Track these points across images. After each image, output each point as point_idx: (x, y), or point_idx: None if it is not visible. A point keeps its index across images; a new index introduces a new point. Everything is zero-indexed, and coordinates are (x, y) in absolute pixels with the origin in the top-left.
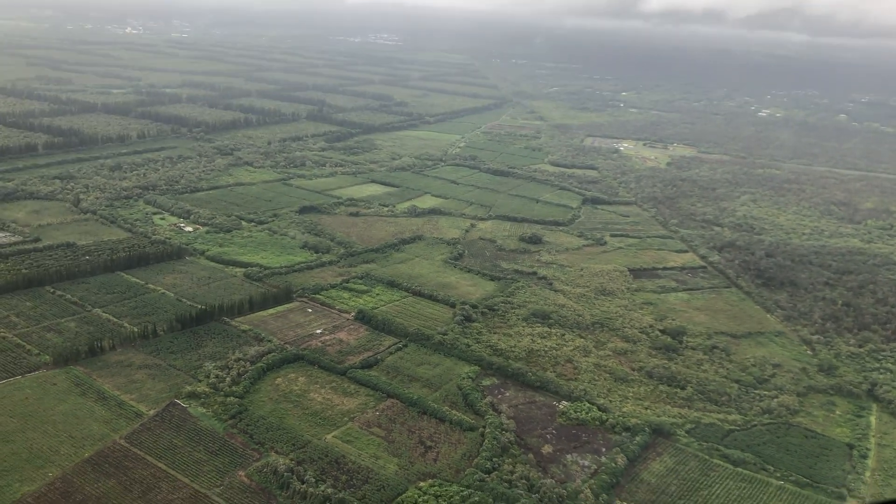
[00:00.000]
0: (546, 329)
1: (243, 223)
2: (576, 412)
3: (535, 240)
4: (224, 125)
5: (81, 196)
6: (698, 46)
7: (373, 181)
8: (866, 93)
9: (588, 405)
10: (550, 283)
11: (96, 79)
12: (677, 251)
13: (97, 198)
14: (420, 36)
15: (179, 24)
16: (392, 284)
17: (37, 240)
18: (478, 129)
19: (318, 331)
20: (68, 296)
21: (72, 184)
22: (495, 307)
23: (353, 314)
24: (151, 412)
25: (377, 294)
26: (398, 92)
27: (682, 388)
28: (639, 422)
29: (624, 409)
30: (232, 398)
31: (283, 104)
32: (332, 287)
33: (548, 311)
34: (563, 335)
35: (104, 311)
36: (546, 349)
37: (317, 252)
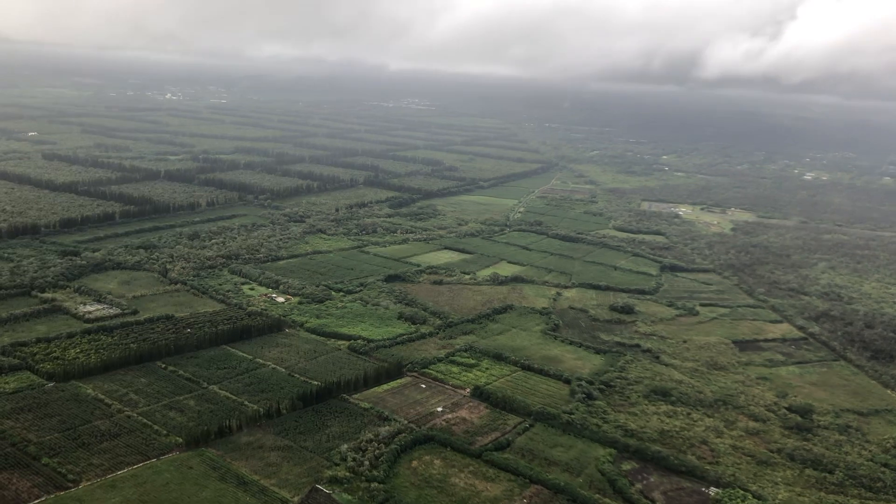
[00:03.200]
0: (671, 407)
1: (333, 293)
2: (731, 500)
3: (627, 310)
4: (287, 191)
5: (168, 266)
6: (723, 109)
7: (445, 248)
8: None
9: (742, 492)
10: (657, 357)
11: (151, 145)
12: (772, 321)
13: (183, 268)
14: (450, 101)
15: (216, 90)
16: (499, 358)
17: (135, 312)
18: (532, 194)
19: (439, 409)
20: (181, 371)
21: (156, 253)
22: (611, 383)
23: (468, 390)
24: (296, 499)
25: (486, 368)
26: (444, 157)
27: (831, 473)
28: None
29: (779, 497)
30: (375, 483)
31: (337, 170)
32: (439, 361)
33: (667, 388)
34: (689, 414)
35: (220, 388)
36: (677, 430)
37: (413, 323)
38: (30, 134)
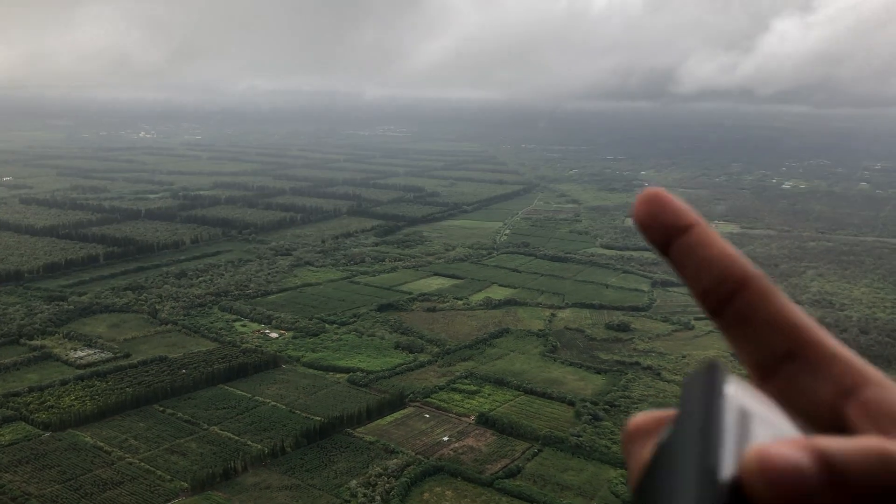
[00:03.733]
0: None
1: (326, 325)
2: None
3: (623, 327)
4: (271, 225)
5: (157, 306)
6: (699, 123)
7: (435, 274)
8: (876, 160)
9: None
10: (658, 373)
11: (129, 185)
12: None
13: (173, 307)
14: (426, 127)
15: (189, 127)
16: (500, 383)
17: (128, 355)
18: (516, 216)
19: (445, 438)
20: (179, 413)
21: (144, 294)
22: (616, 403)
23: (472, 418)
24: None
25: (488, 394)
26: (425, 182)
27: None
28: None
29: None
30: None
31: (319, 200)
32: (441, 389)
33: (671, 404)
34: None
35: (221, 429)
36: None
37: (411, 352)
38: (4, 179)
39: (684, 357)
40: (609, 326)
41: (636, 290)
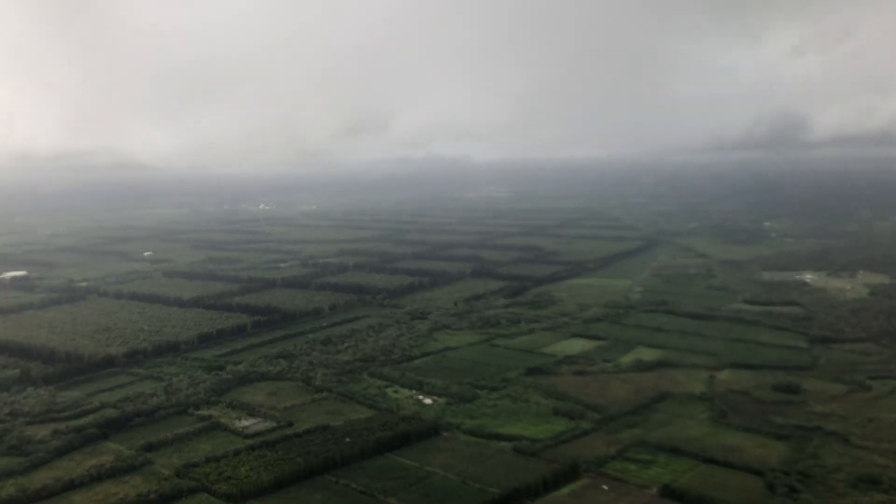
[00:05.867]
0: (886, 496)
1: (477, 391)
2: None
3: (792, 388)
4: (401, 289)
5: (310, 374)
6: (818, 170)
7: (574, 335)
8: None
9: None
10: (846, 439)
11: (259, 255)
12: None
13: (325, 374)
14: (527, 186)
15: (304, 197)
16: (675, 451)
17: (290, 423)
18: (643, 272)
19: None
20: (352, 484)
21: (296, 362)
22: (809, 473)
23: (654, 489)
24: None
25: (664, 464)
26: (541, 241)
27: None
28: None
29: None
30: None
31: (440, 263)
32: (612, 458)
33: (875, 475)
34: None
35: (398, 501)
36: None
37: (571, 418)
38: (146, 254)
39: (871, 421)
40: (776, 388)
41: (794, 347)
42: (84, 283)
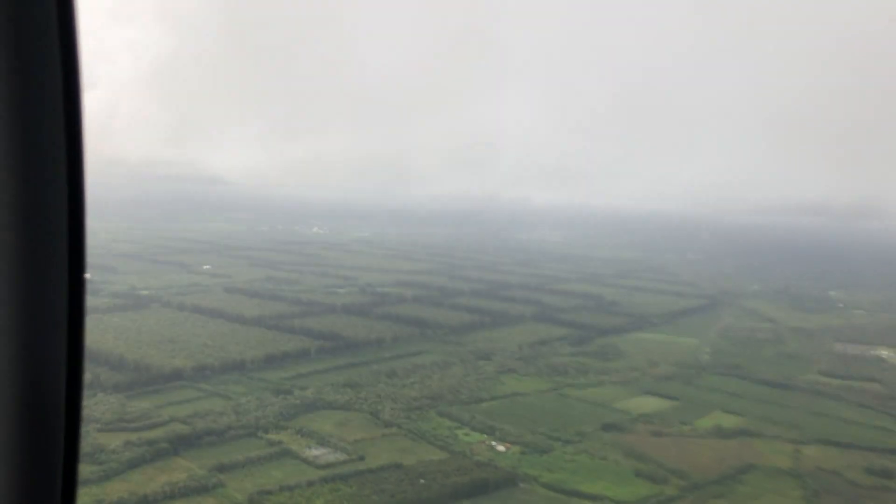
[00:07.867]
0: None
1: (552, 443)
2: None
3: (888, 474)
4: (463, 326)
5: (378, 407)
6: (864, 238)
7: (646, 392)
8: None
9: None
10: None
11: (316, 278)
12: None
13: (392, 408)
14: (580, 232)
15: (356, 224)
16: None
17: (362, 457)
18: (710, 332)
19: None
20: None
21: (363, 392)
22: None
23: None
24: None
25: None
26: (601, 290)
27: None
28: None
29: None
30: None
31: (500, 304)
32: None
33: None
34: None
35: None
36: None
37: (654, 482)
38: (204, 267)
39: None
40: (870, 471)
41: (882, 428)
42: (146, 292)
